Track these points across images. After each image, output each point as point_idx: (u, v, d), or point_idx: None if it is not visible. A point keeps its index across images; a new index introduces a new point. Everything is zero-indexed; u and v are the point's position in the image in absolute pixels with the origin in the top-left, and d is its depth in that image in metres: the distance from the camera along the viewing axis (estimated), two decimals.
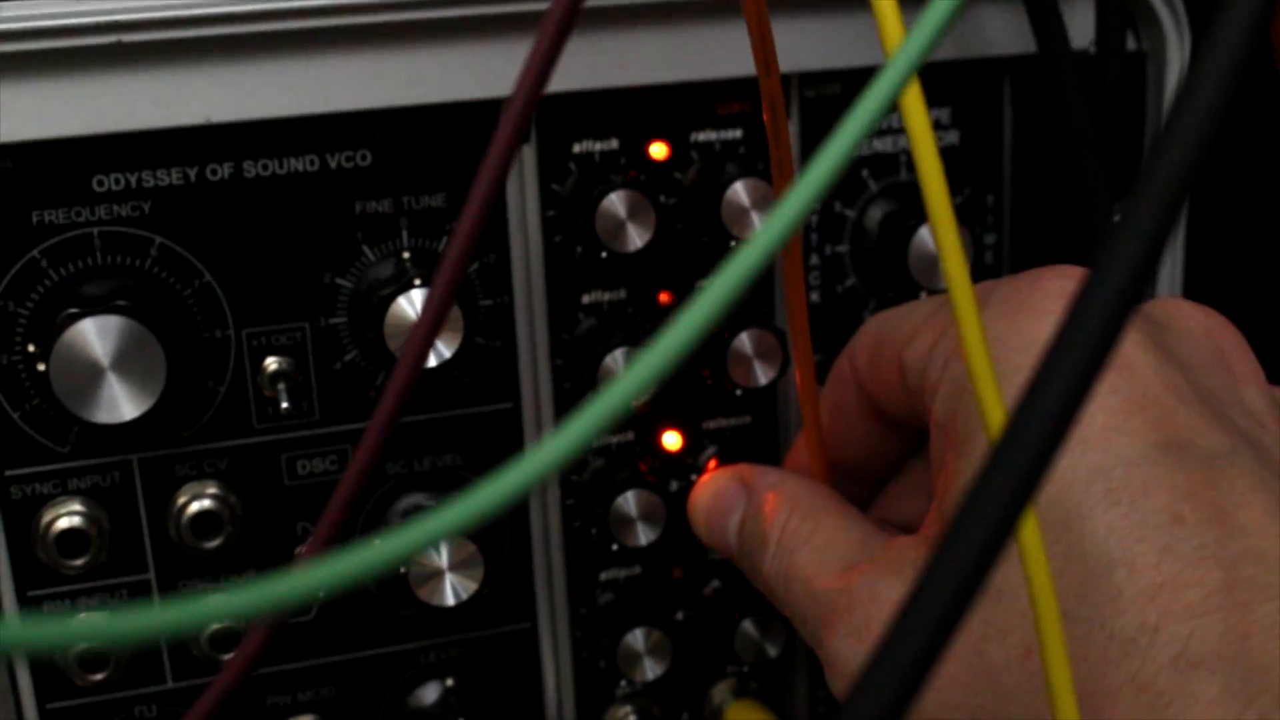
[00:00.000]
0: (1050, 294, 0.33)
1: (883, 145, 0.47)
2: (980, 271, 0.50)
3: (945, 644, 0.18)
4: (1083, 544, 0.30)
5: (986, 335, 0.32)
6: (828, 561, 0.37)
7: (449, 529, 0.18)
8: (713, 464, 0.49)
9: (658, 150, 0.45)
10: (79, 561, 0.43)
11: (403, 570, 0.45)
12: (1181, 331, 0.34)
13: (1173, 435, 0.31)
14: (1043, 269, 0.35)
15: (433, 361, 0.42)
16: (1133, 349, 0.32)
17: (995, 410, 0.23)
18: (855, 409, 0.41)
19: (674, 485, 0.48)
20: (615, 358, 0.44)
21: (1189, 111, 0.19)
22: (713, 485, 0.44)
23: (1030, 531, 0.23)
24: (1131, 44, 0.47)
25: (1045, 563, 0.23)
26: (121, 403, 0.40)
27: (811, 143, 0.47)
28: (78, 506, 0.43)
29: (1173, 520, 0.29)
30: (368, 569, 0.18)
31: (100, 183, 0.41)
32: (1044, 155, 0.49)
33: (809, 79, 0.47)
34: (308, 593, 0.18)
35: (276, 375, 0.44)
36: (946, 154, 0.47)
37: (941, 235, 0.23)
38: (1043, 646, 0.24)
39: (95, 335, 0.40)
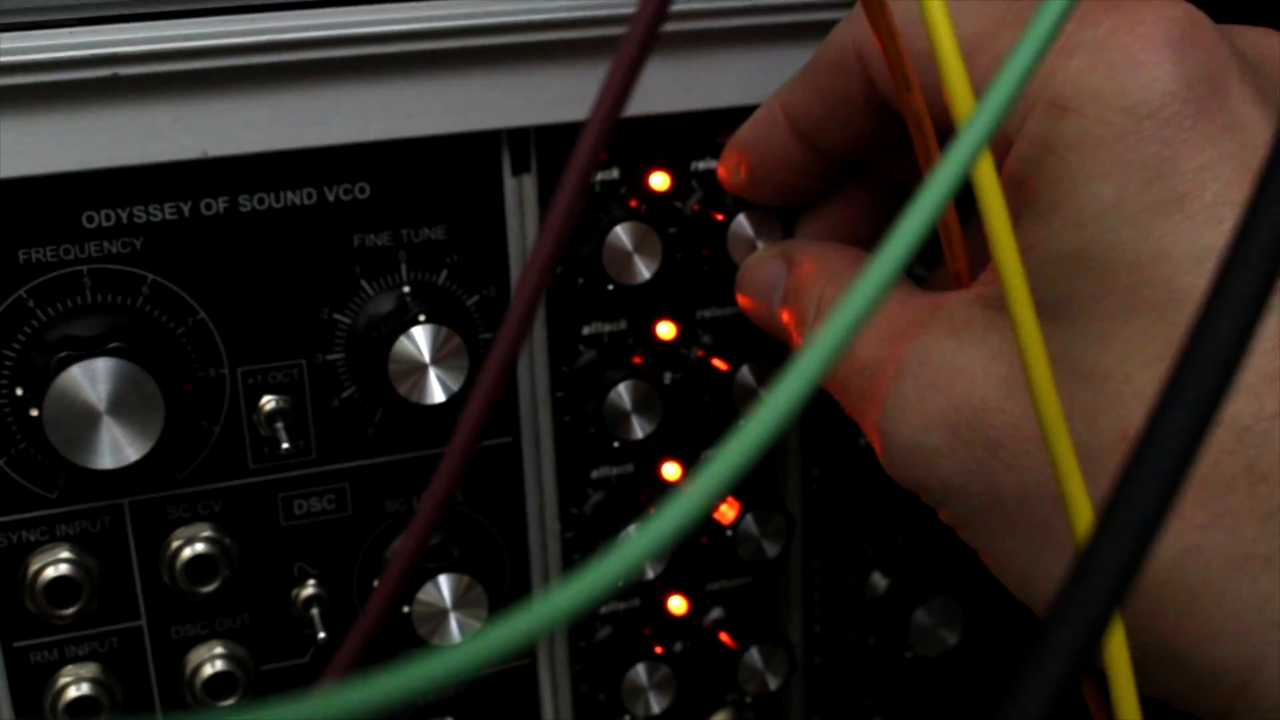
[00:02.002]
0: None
1: None
2: None
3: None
4: None
5: None
6: (870, 330, 0.33)
7: (466, 666, 0.17)
8: None
9: (659, 180, 0.45)
10: (68, 610, 0.41)
11: (405, 609, 0.44)
12: None
13: None
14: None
15: (441, 396, 0.41)
16: None
17: (1083, 509, 0.22)
18: (857, 100, 0.36)
19: None
20: (619, 393, 0.44)
21: None
22: (758, 263, 0.41)
23: None
24: None
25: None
26: (123, 446, 0.38)
27: None
28: (66, 554, 0.42)
29: None
30: (397, 696, 0.17)
31: (90, 219, 0.40)
32: None
33: None
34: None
35: (274, 414, 0.43)
36: None
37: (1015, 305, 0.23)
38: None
39: (89, 380, 0.38)
